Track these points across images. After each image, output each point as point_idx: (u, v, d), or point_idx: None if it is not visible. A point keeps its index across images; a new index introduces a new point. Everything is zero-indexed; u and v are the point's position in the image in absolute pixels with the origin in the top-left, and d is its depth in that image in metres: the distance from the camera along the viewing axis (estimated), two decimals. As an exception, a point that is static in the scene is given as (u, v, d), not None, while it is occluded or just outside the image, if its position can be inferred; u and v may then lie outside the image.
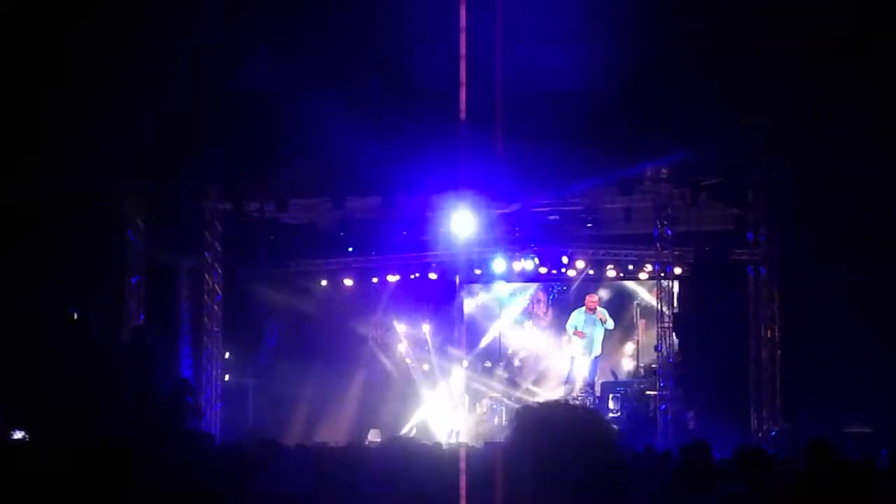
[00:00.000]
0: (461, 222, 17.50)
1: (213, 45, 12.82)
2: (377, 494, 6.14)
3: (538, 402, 2.67)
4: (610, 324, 18.91)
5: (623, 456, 2.46)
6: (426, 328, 21.31)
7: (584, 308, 18.99)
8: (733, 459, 6.14)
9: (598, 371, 19.23)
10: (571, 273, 19.95)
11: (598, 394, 18.83)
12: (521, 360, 21.00)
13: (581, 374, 19.02)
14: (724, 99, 14.68)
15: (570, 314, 19.33)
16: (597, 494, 2.37)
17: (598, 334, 18.89)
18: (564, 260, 19.63)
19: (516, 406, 19.08)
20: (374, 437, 17.47)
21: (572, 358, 19.12)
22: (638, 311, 20.28)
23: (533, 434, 2.46)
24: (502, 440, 2.59)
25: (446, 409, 19.77)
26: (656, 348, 18.02)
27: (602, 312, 18.88)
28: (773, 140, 15.65)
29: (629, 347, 20.29)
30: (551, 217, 18.44)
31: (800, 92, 14.21)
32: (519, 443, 2.47)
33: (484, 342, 21.03)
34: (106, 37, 12.94)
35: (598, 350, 18.91)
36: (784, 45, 13.06)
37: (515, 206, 17.56)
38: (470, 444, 16.28)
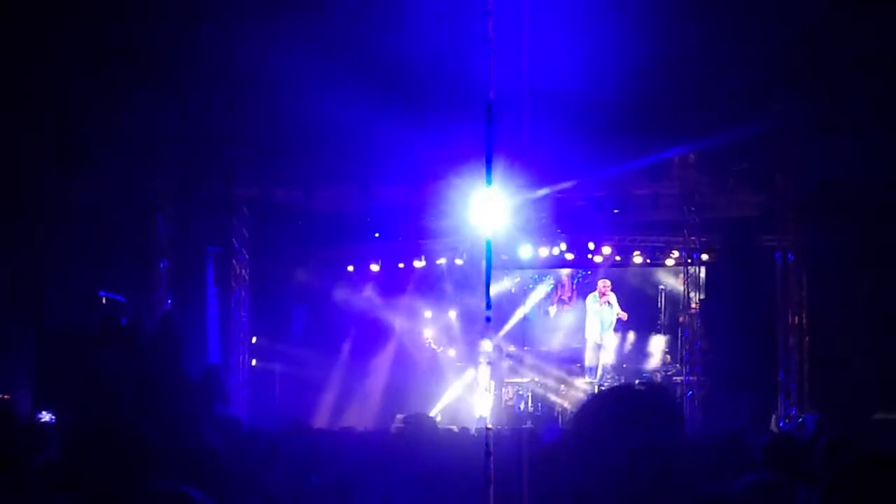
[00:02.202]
0: (488, 208, 17.48)
1: (242, 32, 12.83)
2: (404, 478, 6.17)
3: (611, 386, 2.68)
4: (617, 308, 19.31)
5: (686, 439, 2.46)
6: (452, 314, 21.32)
7: (597, 292, 19.30)
8: (764, 447, 6.12)
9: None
10: (598, 259, 19.98)
11: (622, 379, 18.89)
12: (545, 345, 20.98)
13: (602, 358, 19.20)
14: (752, 85, 14.58)
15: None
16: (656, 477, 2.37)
17: (612, 318, 19.23)
18: (591, 246, 19.66)
19: (542, 391, 19.19)
20: (400, 422, 17.49)
21: (593, 343, 19.31)
22: (663, 297, 20.31)
23: (605, 417, 2.45)
24: (570, 422, 2.59)
25: (472, 395, 19.78)
26: (683, 335, 18.00)
27: (612, 297, 19.26)
28: (803, 124, 15.54)
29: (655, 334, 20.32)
30: (578, 203, 18.41)
31: (830, 76, 14.08)
32: (597, 426, 2.46)
33: (509, 327, 21.02)
34: (133, 23, 12.98)
35: (611, 334, 19.26)
36: (818, 28, 12.93)
37: (542, 192, 17.52)
38: (496, 429, 16.29)
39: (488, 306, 21.30)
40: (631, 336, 19.96)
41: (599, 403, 2.53)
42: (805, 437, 13.26)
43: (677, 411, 2.53)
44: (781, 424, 16.63)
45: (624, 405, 2.46)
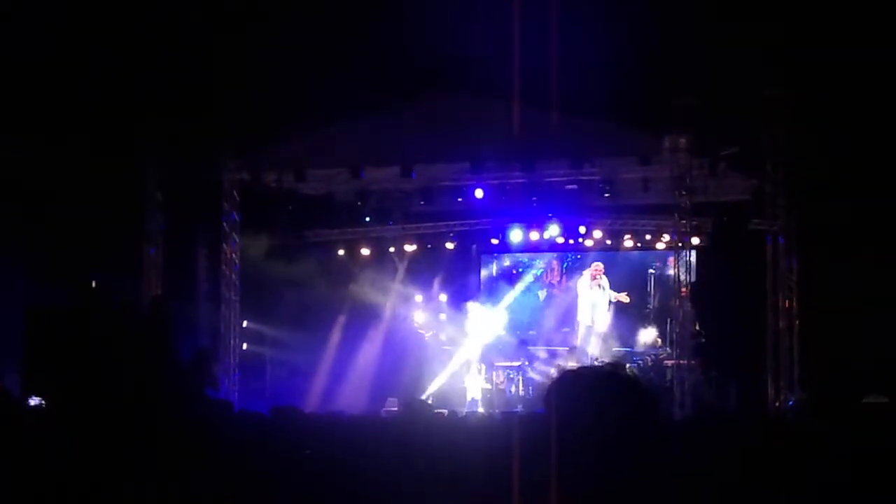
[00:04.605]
0: (478, 192, 17.54)
1: (233, 15, 12.80)
2: (394, 462, 6.17)
3: (578, 368, 2.67)
4: (609, 291, 19.44)
5: (663, 419, 2.47)
6: (443, 298, 21.33)
7: (588, 275, 19.46)
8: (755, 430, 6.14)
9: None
10: (589, 243, 20.00)
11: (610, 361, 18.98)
12: (535, 329, 21.01)
13: (593, 341, 19.30)
14: (744, 67, 14.59)
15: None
16: (635, 457, 2.37)
17: (604, 302, 19.36)
18: (582, 230, 19.68)
19: (533, 375, 19.23)
20: (391, 406, 17.54)
21: (585, 326, 19.43)
22: (652, 280, 20.36)
23: (574, 398, 2.46)
24: (541, 405, 2.58)
25: (463, 379, 19.81)
26: (673, 318, 18.04)
27: (604, 280, 19.43)
28: (793, 109, 15.56)
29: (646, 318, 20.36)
30: (569, 187, 18.40)
31: (821, 59, 14.10)
32: (560, 407, 2.47)
33: (499, 311, 21.04)
34: (123, 8, 12.94)
35: (603, 317, 19.39)
36: (807, 11, 12.94)
37: (533, 176, 17.52)
38: (487, 413, 16.34)
39: (477, 290, 21.35)
40: (621, 319, 19.99)
41: (561, 384, 2.54)
42: (793, 419, 13.30)
43: (644, 388, 2.53)
44: (770, 407, 16.70)
45: (585, 386, 2.47)
